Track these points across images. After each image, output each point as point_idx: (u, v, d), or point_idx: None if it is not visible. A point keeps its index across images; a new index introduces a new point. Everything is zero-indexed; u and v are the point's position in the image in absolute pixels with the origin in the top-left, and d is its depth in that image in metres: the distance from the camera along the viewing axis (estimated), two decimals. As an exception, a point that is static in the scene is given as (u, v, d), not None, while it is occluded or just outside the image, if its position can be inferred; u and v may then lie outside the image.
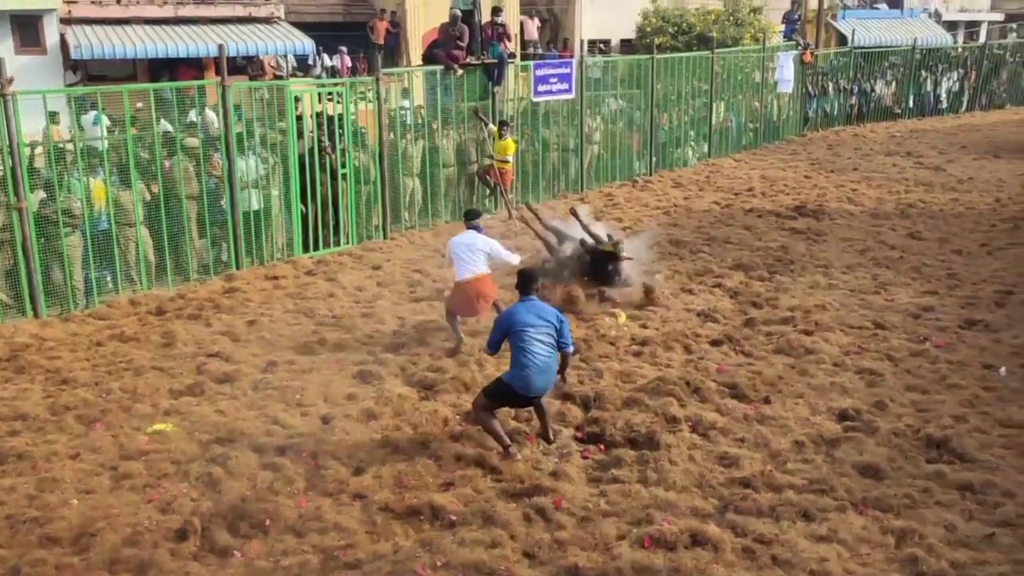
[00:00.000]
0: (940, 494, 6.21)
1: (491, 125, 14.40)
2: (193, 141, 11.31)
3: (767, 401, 7.79)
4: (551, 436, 6.97)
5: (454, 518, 5.94)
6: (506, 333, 6.77)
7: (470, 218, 9.41)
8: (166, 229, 10.96)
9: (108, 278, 10.81)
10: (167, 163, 11.08)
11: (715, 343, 9.25)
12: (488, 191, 14.98)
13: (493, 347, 6.96)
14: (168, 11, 18.34)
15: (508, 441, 6.85)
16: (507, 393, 6.78)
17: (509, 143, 14.16)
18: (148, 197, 10.96)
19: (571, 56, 20.72)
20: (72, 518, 5.96)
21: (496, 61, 14.87)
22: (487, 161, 14.27)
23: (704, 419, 7.35)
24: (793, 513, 5.92)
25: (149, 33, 17.72)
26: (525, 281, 6.98)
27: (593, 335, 9.39)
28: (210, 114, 12.63)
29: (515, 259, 9.28)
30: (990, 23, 34.05)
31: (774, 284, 11.22)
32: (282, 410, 7.66)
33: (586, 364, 8.60)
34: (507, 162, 14.16)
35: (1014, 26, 34.93)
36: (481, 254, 8.97)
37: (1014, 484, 6.30)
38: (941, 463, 6.64)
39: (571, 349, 7.00)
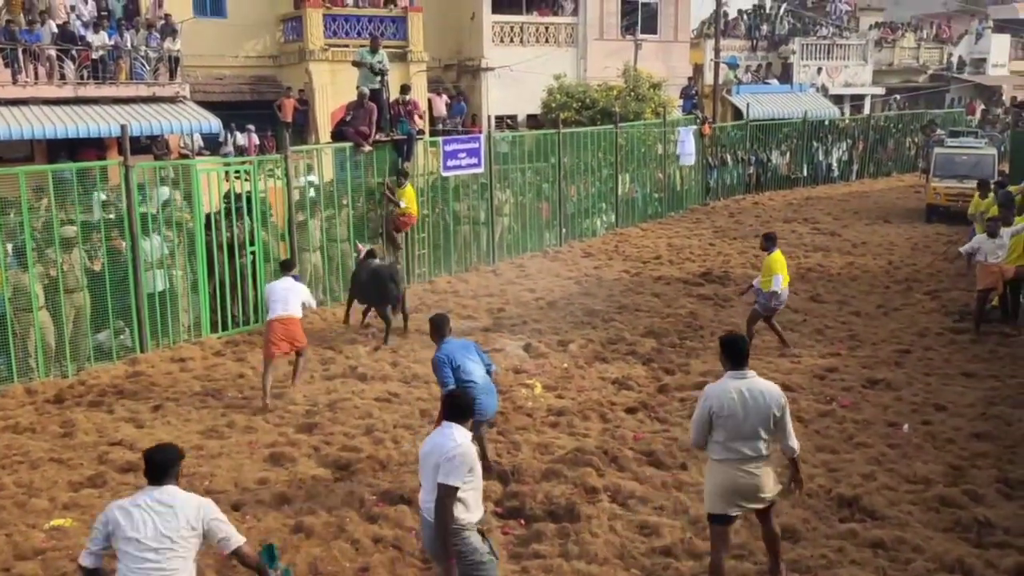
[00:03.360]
0: (854, 553, 6.33)
1: (401, 205, 14.43)
2: (71, 230, 10.73)
3: (684, 467, 7.86)
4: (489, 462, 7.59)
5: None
6: (452, 368, 7.15)
7: (287, 268, 10.49)
8: (64, 314, 10.53)
9: (2, 365, 10.30)
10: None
11: (630, 411, 9.33)
12: (395, 249, 14.92)
13: (450, 381, 7.13)
14: (68, 91, 17.95)
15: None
16: None
17: (408, 190, 14.44)
18: (47, 281, 10.55)
19: (479, 131, 21.05)
20: (-41, 627, 5.57)
21: (405, 138, 15.02)
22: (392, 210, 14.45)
23: (623, 488, 7.36)
24: (714, 580, 5.93)
25: (48, 113, 17.28)
26: (439, 325, 7.42)
27: (510, 407, 9.36)
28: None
29: (313, 303, 10.49)
30: (872, 96, 36.08)
31: (685, 350, 11.43)
32: (190, 499, 7.35)
33: (503, 437, 8.55)
34: (400, 207, 14.36)
35: (897, 97, 37.11)
36: (297, 298, 9.86)
37: (923, 539, 6.48)
38: (853, 522, 6.80)
39: (494, 368, 7.61)
